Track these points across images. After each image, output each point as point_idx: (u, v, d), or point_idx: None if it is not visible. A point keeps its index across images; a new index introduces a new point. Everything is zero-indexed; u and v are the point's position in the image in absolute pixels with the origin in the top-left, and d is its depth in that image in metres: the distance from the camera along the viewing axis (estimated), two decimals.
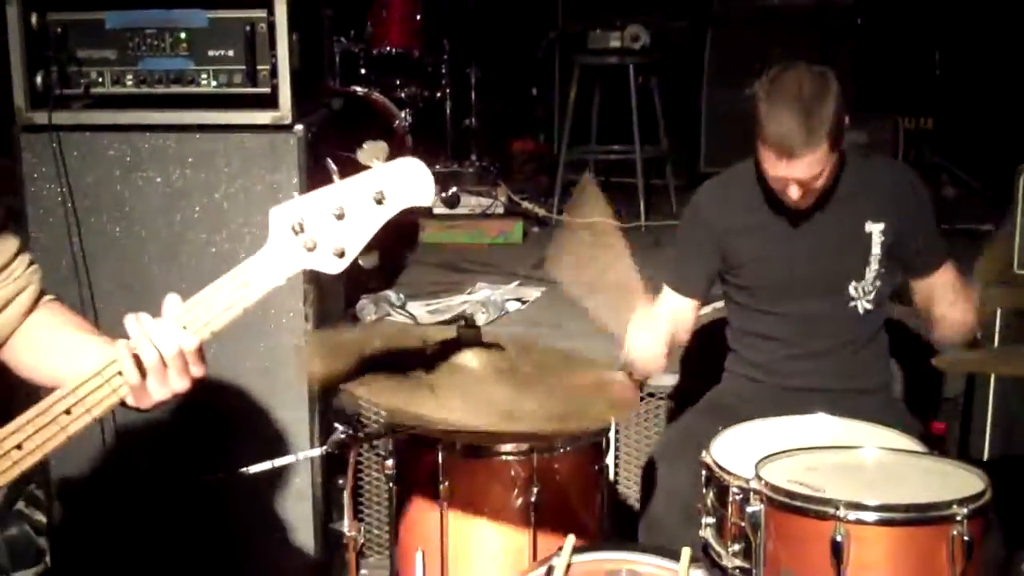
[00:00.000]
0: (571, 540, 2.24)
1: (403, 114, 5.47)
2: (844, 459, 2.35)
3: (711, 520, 2.38)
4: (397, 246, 4.76)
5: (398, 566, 2.64)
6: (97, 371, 1.69)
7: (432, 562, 2.53)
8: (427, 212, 4.95)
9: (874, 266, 2.79)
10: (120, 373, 1.69)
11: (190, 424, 2.90)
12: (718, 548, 2.34)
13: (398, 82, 5.98)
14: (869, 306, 2.81)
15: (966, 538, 2.06)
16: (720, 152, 5.58)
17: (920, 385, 3.28)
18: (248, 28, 2.99)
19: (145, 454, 3.02)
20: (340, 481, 2.22)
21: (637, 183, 5.38)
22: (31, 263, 1.98)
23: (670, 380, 3.45)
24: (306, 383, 2.99)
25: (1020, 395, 3.20)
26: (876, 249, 2.78)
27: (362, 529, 2.37)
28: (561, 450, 2.52)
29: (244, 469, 2.28)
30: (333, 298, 3.44)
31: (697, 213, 2.96)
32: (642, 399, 3.45)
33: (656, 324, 2.78)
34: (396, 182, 1.69)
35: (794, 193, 2.66)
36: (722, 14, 6.17)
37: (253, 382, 3.05)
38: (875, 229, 2.78)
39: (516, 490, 2.47)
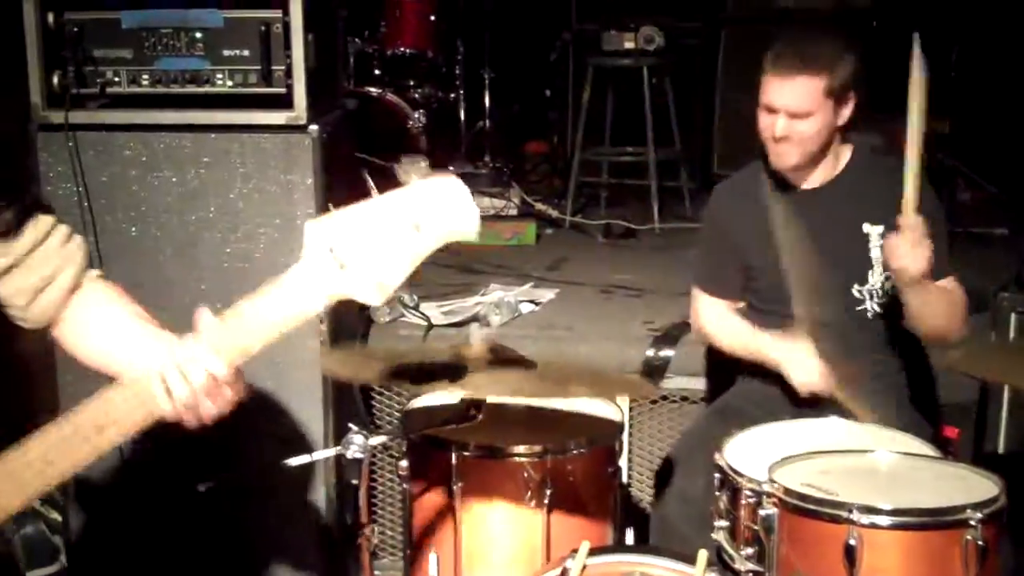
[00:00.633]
0: (586, 545, 2.23)
1: (417, 115, 5.49)
2: (857, 463, 2.34)
3: (724, 523, 2.38)
4: None
5: (412, 567, 2.64)
6: (131, 389, 1.67)
7: (446, 563, 2.53)
8: None
9: (878, 269, 2.77)
10: (149, 391, 1.66)
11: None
12: (731, 551, 2.34)
13: (412, 83, 5.98)
14: (879, 309, 2.80)
15: (980, 543, 2.06)
16: (734, 154, 5.55)
17: (930, 388, 3.27)
18: (263, 28, 2.99)
19: (158, 454, 3.02)
20: (354, 482, 2.21)
21: (650, 185, 5.37)
22: (70, 239, 1.95)
23: (683, 383, 3.45)
24: (320, 383, 2.99)
25: None
26: (875, 252, 2.76)
27: (375, 530, 2.37)
28: (575, 452, 2.52)
29: (282, 466, 2.27)
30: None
31: (712, 217, 3.00)
32: (655, 402, 3.45)
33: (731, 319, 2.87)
34: (435, 208, 1.56)
35: (780, 127, 2.67)
36: (736, 16, 6.16)
37: (267, 381, 3.06)
38: (873, 232, 2.76)
39: (530, 492, 2.46)
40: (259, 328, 1.63)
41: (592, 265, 4.66)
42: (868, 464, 2.34)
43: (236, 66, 3.03)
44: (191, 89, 3.05)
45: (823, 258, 2.75)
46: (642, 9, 5.86)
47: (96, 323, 1.93)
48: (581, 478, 2.54)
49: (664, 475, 2.88)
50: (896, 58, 2.71)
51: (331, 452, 2.28)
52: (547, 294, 4.12)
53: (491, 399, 2.34)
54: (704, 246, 3.06)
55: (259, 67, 3.01)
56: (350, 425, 2.26)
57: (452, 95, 6.28)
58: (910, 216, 2.51)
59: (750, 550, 2.28)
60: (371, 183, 1.73)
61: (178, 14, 3.03)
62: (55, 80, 3.01)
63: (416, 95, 5.87)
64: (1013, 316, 3.25)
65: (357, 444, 2.19)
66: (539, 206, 5.49)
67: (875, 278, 2.78)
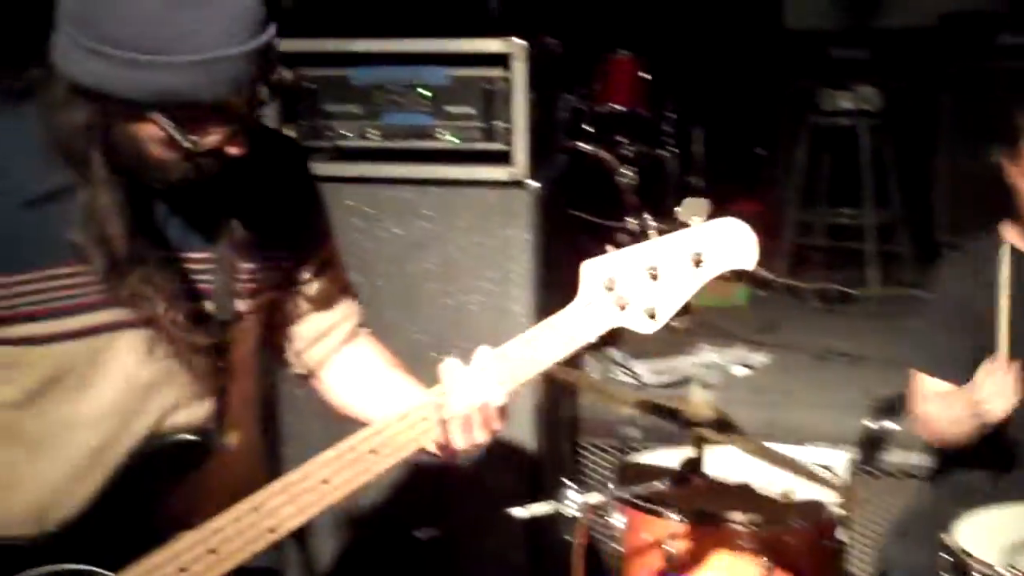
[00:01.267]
0: None
1: (629, 172, 5.48)
2: None
3: None
4: None
5: None
6: (404, 415, 1.70)
7: None
8: None
9: None
10: (425, 419, 1.70)
11: (411, 473, 2.94)
12: None
13: (623, 140, 5.99)
14: None
15: None
16: (958, 219, 5.34)
17: None
18: (487, 86, 3.05)
19: (376, 500, 3.07)
20: (568, 538, 2.19)
21: (868, 249, 5.20)
22: (349, 291, 2.01)
23: (905, 457, 3.30)
24: (534, 436, 2.98)
25: None
26: None
27: None
28: (794, 523, 2.43)
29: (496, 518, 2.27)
30: None
31: (943, 291, 2.80)
32: (879, 477, 3.31)
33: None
34: (716, 243, 1.65)
35: None
36: (960, 75, 5.93)
37: None
38: None
39: (746, 562, 2.39)
40: (532, 358, 1.70)
41: (806, 330, 4.54)
42: None
43: (460, 122, 3.10)
44: (416, 144, 3.13)
45: None
46: (859, 67, 5.72)
47: (362, 375, 1.98)
48: (799, 549, 2.44)
49: (887, 551, 2.74)
50: None
51: (547, 507, 2.26)
52: (760, 358, 4.02)
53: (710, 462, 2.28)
54: (930, 323, 2.82)
55: (482, 124, 3.07)
56: (564, 480, 2.24)
57: (664, 152, 6.26)
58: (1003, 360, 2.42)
59: None
60: (651, 222, 1.74)
61: (405, 72, 3.13)
62: (291, 134, 3.14)
63: (628, 152, 5.87)
64: None
65: (572, 501, 2.16)
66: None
67: None
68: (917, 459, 3.28)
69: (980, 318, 2.66)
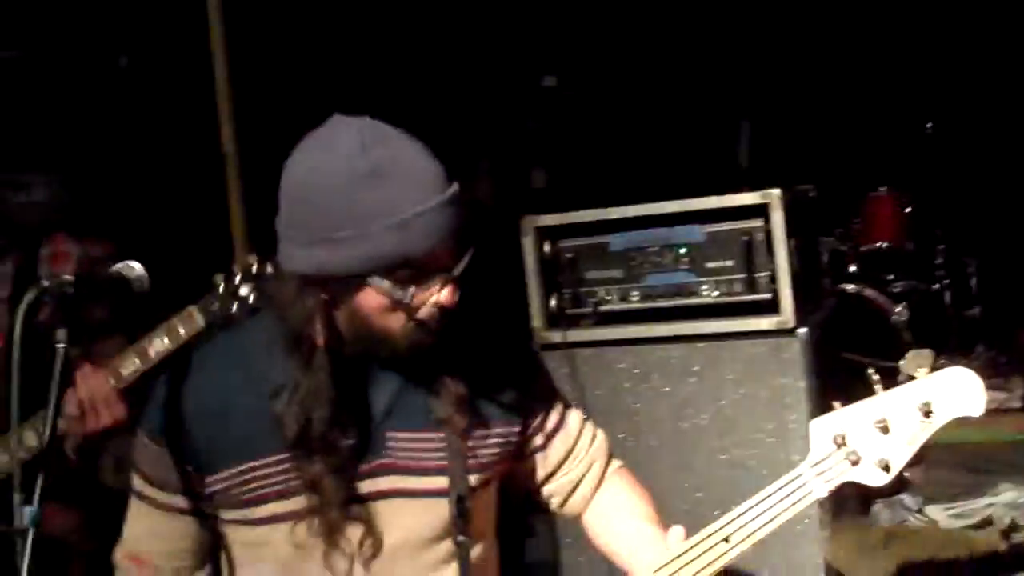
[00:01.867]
0: None
1: (899, 308, 5.31)
2: None
3: None
4: None
5: None
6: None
7: None
8: None
9: None
10: None
11: None
12: None
13: (891, 276, 5.83)
14: None
15: None
16: None
17: None
18: (745, 239, 3.06)
19: None
20: None
21: None
22: (595, 437, 2.10)
23: None
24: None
25: None
26: None
27: None
28: None
29: None
30: (848, 500, 3.32)
31: None
32: None
33: None
34: (944, 393, 1.73)
35: None
36: None
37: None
38: None
39: None
40: (764, 516, 1.76)
41: None
42: None
43: (721, 276, 3.11)
44: (678, 301, 3.16)
45: None
46: None
47: (611, 513, 2.06)
48: None
49: None
50: None
51: None
52: None
53: None
54: None
55: (743, 275, 3.08)
56: None
57: (935, 285, 6.04)
58: None
59: None
60: (875, 376, 1.78)
61: (663, 233, 3.18)
62: (553, 303, 3.25)
63: (897, 288, 5.69)
64: None
65: None
66: None
67: None
68: None
69: None
